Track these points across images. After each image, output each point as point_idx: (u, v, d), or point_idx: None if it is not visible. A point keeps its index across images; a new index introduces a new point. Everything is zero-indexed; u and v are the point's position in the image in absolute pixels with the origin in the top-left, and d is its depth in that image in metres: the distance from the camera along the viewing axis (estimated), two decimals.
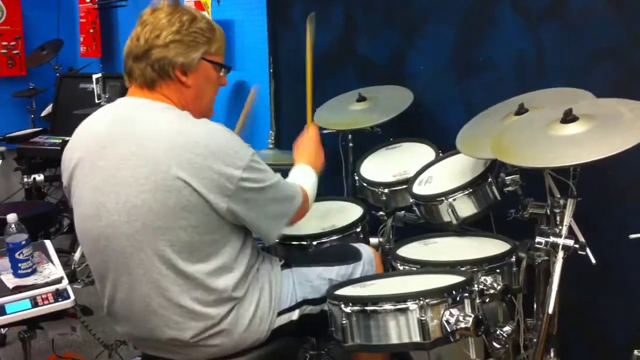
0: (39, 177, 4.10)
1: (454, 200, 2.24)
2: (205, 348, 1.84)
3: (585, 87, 2.26)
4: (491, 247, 2.21)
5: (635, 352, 1.99)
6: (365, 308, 1.75)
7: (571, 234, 1.93)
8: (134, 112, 1.81)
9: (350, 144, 3.05)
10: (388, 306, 1.73)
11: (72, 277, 3.96)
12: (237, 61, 4.31)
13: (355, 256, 2.17)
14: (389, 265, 2.29)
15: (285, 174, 2.10)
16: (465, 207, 2.25)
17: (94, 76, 4.49)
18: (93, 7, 5.74)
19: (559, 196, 2.00)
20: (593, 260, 1.91)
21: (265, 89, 4.00)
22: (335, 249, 2.33)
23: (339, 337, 1.83)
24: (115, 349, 2.89)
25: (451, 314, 1.70)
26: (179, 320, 1.78)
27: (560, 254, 1.90)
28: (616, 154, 1.72)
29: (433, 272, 2.03)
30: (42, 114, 5.70)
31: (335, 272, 2.10)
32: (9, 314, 2.04)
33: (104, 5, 5.62)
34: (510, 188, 2.16)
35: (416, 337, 1.71)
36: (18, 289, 2.11)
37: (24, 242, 2.20)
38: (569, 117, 1.89)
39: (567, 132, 1.89)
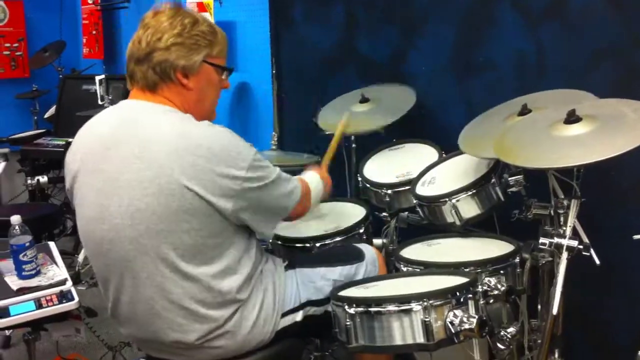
0: (43, 179, 4.11)
1: (458, 201, 2.24)
2: (209, 350, 1.84)
3: (586, 87, 2.26)
4: (495, 248, 2.21)
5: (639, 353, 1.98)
6: (369, 309, 1.75)
7: (575, 234, 1.93)
8: (137, 115, 1.81)
9: (353, 145, 3.05)
10: (392, 307, 1.73)
11: (76, 279, 3.97)
12: (240, 62, 4.31)
13: (358, 256, 2.18)
14: (393, 267, 2.29)
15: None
16: (469, 208, 2.24)
17: (97, 78, 4.49)
18: (95, 9, 5.75)
19: (562, 197, 2.00)
20: (597, 261, 1.91)
21: (268, 90, 4.00)
22: (338, 249, 2.33)
23: (342, 338, 1.83)
24: (119, 351, 2.89)
25: (455, 315, 1.69)
26: (182, 322, 1.79)
27: (565, 255, 1.89)
28: (619, 154, 1.72)
29: (437, 273, 2.03)
30: (46, 116, 5.71)
31: (339, 272, 2.10)
32: (13, 315, 2.05)
33: (106, 6, 5.63)
34: (513, 189, 2.15)
35: (420, 338, 1.71)
36: (22, 291, 2.12)
37: (27, 244, 2.20)
38: (572, 118, 1.89)
39: (570, 132, 1.89)
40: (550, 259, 2.03)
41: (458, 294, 1.73)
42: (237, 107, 4.46)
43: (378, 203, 2.66)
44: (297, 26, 3.79)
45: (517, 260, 2.10)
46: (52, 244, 2.54)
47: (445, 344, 1.72)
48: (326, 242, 2.38)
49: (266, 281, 1.94)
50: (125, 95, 1.91)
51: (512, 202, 2.21)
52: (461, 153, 2.44)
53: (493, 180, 2.22)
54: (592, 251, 1.91)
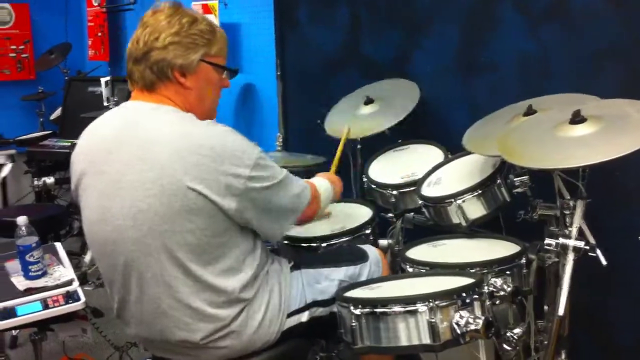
0: (49, 180, 4.11)
1: (463, 201, 2.24)
2: (215, 350, 1.84)
3: (589, 87, 2.26)
4: (501, 248, 2.20)
5: None
6: (375, 310, 1.75)
7: (581, 235, 1.93)
8: (138, 116, 1.81)
9: (359, 146, 3.05)
10: (397, 308, 1.73)
11: (83, 279, 3.98)
12: (245, 64, 4.32)
13: (363, 257, 2.18)
14: (398, 267, 2.29)
15: None
16: (475, 209, 2.24)
17: (102, 79, 4.51)
18: (101, 11, 5.78)
19: (568, 197, 1.99)
20: (604, 262, 1.90)
21: (273, 92, 4.01)
22: (342, 250, 2.34)
23: (348, 339, 1.83)
24: (125, 351, 2.89)
25: (461, 316, 1.69)
26: (189, 321, 1.79)
27: (571, 256, 1.89)
28: (624, 155, 1.72)
29: (442, 274, 2.03)
30: (51, 117, 5.73)
31: (343, 272, 2.10)
32: (19, 316, 2.05)
33: (111, 8, 5.65)
34: (519, 189, 2.15)
35: (426, 339, 1.71)
36: (29, 291, 2.12)
37: (34, 245, 2.21)
38: (577, 118, 1.89)
39: (575, 133, 1.89)
40: (556, 259, 2.02)
41: (464, 294, 1.73)
42: (242, 109, 4.47)
43: (384, 204, 2.66)
44: (302, 28, 3.80)
45: (523, 261, 2.09)
46: (58, 245, 2.54)
47: (451, 345, 1.71)
48: (332, 243, 2.39)
49: (272, 282, 1.94)
50: (130, 96, 1.91)
51: (517, 202, 2.21)
52: (467, 154, 2.44)
53: (499, 181, 2.22)
54: (598, 251, 1.91)
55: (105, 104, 4.46)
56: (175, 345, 1.85)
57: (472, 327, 1.68)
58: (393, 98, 2.96)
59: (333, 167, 2.58)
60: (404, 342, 1.73)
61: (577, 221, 1.93)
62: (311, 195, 2.01)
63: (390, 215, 2.67)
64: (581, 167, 1.92)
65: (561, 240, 1.92)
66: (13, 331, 3.30)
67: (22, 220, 2.21)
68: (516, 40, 2.67)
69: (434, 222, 2.39)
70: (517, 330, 2.03)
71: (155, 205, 1.70)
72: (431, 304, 1.69)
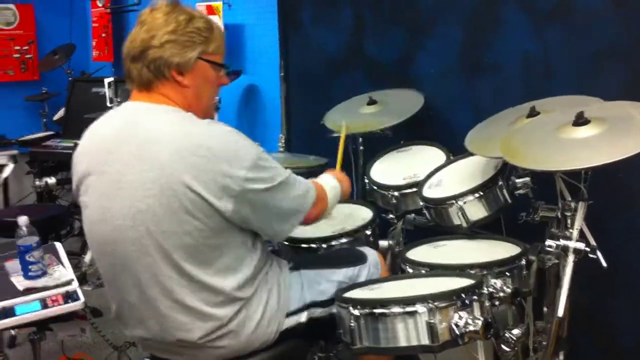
0: (51, 180, 4.11)
1: (465, 203, 2.23)
2: (213, 350, 1.84)
3: (593, 88, 2.26)
4: (501, 250, 2.20)
5: None
6: (374, 311, 1.75)
7: (582, 237, 1.92)
8: (138, 116, 1.80)
9: (361, 147, 3.05)
10: (397, 309, 1.72)
11: (83, 280, 3.98)
12: (248, 65, 4.33)
13: (362, 259, 2.17)
14: (399, 268, 2.29)
15: None
16: (476, 210, 2.24)
17: (106, 80, 4.51)
18: (105, 12, 5.78)
19: (570, 199, 1.99)
20: (604, 264, 1.90)
21: (276, 93, 4.01)
22: (342, 252, 2.33)
23: (347, 340, 1.82)
24: (124, 351, 2.89)
25: (460, 317, 1.69)
26: (186, 321, 1.78)
27: (571, 258, 1.89)
28: (628, 157, 1.71)
29: (442, 275, 2.02)
30: (55, 118, 5.74)
31: (343, 274, 2.09)
32: (18, 315, 2.05)
33: (116, 9, 5.66)
34: (521, 191, 2.14)
35: (425, 340, 1.70)
36: (28, 291, 2.12)
37: (34, 245, 2.20)
38: (580, 120, 1.89)
39: (578, 135, 1.89)
40: (556, 261, 2.02)
41: (463, 295, 1.72)
42: (245, 109, 4.47)
43: (385, 205, 2.66)
44: (306, 29, 3.80)
45: (524, 262, 2.08)
46: (58, 245, 2.54)
47: (450, 346, 1.71)
48: (333, 244, 2.38)
49: (271, 282, 1.94)
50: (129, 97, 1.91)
51: (519, 204, 2.21)
52: (468, 155, 2.44)
53: (500, 182, 2.22)
54: (599, 253, 1.90)
55: (109, 104, 4.45)
56: (173, 345, 1.85)
57: (471, 328, 1.68)
58: (396, 101, 2.96)
59: (338, 165, 2.56)
60: (402, 342, 1.72)
61: (578, 223, 1.93)
62: (317, 196, 1.98)
63: (391, 216, 2.67)
64: (584, 169, 1.91)
65: (562, 242, 1.91)
66: (12, 331, 3.29)
67: (22, 220, 2.21)
68: (519, 41, 2.67)
69: (435, 223, 2.38)
70: (515, 331, 2.02)
71: (154, 205, 1.70)
72: (430, 305, 1.69)
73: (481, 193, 2.23)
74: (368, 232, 2.46)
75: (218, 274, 1.78)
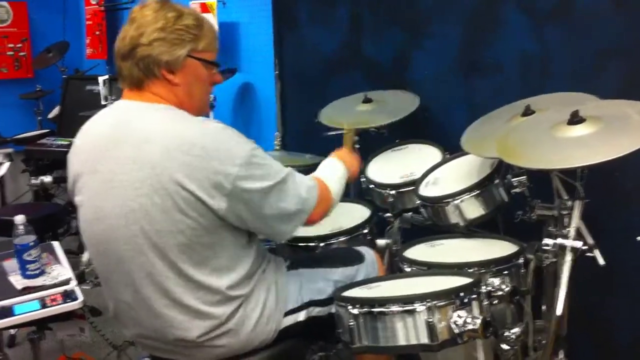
0: (47, 179, 4.10)
1: (461, 201, 2.24)
2: (212, 349, 1.84)
3: (591, 88, 2.26)
4: (499, 248, 2.21)
5: None
6: (373, 310, 1.75)
7: (579, 235, 1.93)
8: (130, 115, 1.79)
9: (357, 146, 3.04)
10: (395, 308, 1.72)
11: (81, 278, 3.96)
12: (243, 63, 4.32)
13: (359, 258, 2.18)
14: (396, 267, 2.29)
15: None
16: (473, 209, 2.24)
17: (100, 78, 4.49)
18: (99, 9, 5.76)
19: (566, 198, 1.99)
20: (602, 262, 1.91)
21: (271, 91, 4.01)
22: (339, 251, 2.34)
23: (346, 339, 1.82)
24: (123, 350, 2.89)
25: (459, 316, 1.69)
26: (183, 320, 1.78)
27: (568, 256, 1.89)
28: (623, 155, 1.72)
29: (440, 274, 2.03)
30: (49, 116, 5.71)
31: (340, 273, 2.10)
32: (17, 314, 2.05)
33: (110, 7, 5.63)
34: (517, 190, 2.15)
35: (424, 339, 1.70)
36: (26, 290, 2.12)
37: (32, 244, 2.20)
38: (575, 119, 1.89)
39: (574, 133, 1.89)
40: (554, 259, 2.02)
41: (462, 294, 1.73)
42: (240, 108, 4.47)
43: (381, 204, 2.66)
44: (301, 28, 3.79)
45: (521, 260, 2.10)
46: (56, 244, 2.54)
47: (449, 345, 1.71)
48: (330, 242, 2.39)
49: (269, 280, 1.94)
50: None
51: (515, 202, 2.21)
52: (465, 154, 2.44)
53: (497, 181, 2.23)
54: (596, 251, 1.91)
55: (104, 102, 4.43)
56: (172, 345, 1.85)
57: (470, 326, 1.68)
58: (392, 101, 2.96)
59: (348, 146, 2.41)
60: (401, 341, 1.73)
61: (575, 221, 1.94)
62: (319, 196, 1.92)
63: (388, 215, 2.67)
64: (580, 167, 1.92)
65: (559, 240, 1.92)
66: (11, 330, 3.30)
67: (19, 219, 2.21)
68: (519, 41, 2.67)
69: (432, 222, 2.39)
70: (515, 330, 2.02)
71: (146, 204, 1.69)
72: (429, 304, 1.69)
73: (478, 191, 2.23)
74: (365, 231, 2.47)
75: (213, 273, 1.77)
